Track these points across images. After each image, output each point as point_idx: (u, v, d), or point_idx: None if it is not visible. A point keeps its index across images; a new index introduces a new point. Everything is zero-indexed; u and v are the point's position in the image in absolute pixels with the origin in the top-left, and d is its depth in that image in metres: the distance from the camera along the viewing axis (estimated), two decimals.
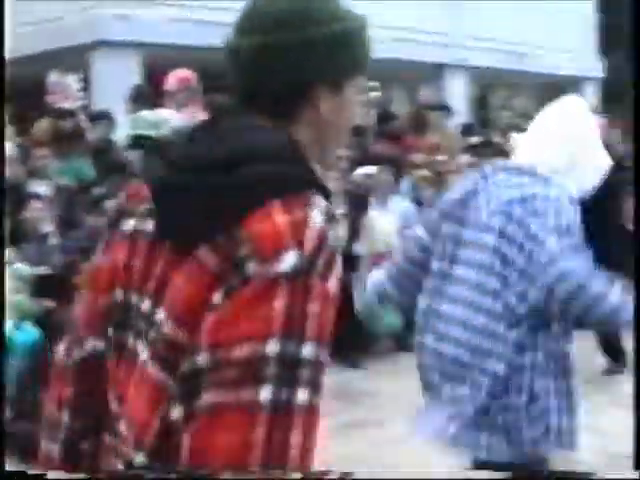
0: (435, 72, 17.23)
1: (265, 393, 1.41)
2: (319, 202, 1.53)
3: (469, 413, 3.39)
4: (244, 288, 1.45)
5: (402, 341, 8.70)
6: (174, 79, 7.85)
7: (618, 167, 4.91)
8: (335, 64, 1.66)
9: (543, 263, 3.27)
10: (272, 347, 1.42)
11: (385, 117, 11.71)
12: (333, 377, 7.78)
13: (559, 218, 3.33)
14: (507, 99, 20.55)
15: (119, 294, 1.67)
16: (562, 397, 3.43)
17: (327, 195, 1.58)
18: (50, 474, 1.77)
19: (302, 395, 1.42)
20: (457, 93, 16.53)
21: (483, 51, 17.26)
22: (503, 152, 8.37)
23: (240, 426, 1.40)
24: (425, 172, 10.40)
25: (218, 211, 1.50)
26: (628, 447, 4.58)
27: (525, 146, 3.73)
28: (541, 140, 3.63)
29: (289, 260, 1.45)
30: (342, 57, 1.67)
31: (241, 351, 1.42)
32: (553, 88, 20.69)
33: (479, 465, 3.48)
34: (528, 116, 15.01)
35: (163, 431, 1.50)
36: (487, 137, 11.23)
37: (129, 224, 1.69)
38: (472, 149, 10.18)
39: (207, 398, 1.43)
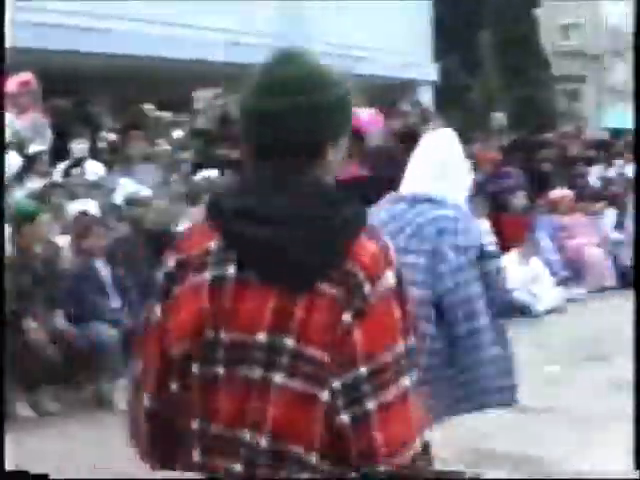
0: None
1: (407, 381, 1.88)
2: (381, 232, 2.00)
3: None
4: (369, 308, 1.85)
5: None
6: (14, 82, 7.73)
7: None
8: (339, 125, 2.00)
9: (442, 273, 4.05)
10: (401, 347, 1.88)
11: (226, 121, 11.81)
12: None
13: (458, 236, 4.14)
14: None
15: (209, 334, 1.91)
16: None
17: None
18: (52, 474, 1.88)
19: (416, 374, 1.92)
20: None
21: (321, 55, 17.51)
22: None
23: (405, 412, 1.88)
24: None
25: (323, 253, 1.87)
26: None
27: (411, 177, 4.44)
28: (425, 170, 4.38)
29: (389, 277, 1.89)
30: (344, 118, 2.02)
31: (387, 356, 1.86)
32: (389, 91, 21.28)
33: None
34: None
35: (332, 434, 1.86)
36: None
37: (202, 275, 1.93)
38: None
39: (376, 400, 1.85)
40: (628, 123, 30.10)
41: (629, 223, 13.82)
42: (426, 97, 20.85)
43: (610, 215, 13.72)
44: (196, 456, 1.95)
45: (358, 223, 1.91)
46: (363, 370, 1.84)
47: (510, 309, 10.61)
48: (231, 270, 1.91)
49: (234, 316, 1.90)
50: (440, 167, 4.38)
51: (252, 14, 16.14)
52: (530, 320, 10.65)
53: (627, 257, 13.32)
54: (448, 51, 26.91)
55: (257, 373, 1.89)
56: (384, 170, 7.04)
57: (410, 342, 1.92)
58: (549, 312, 11.02)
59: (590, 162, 14.75)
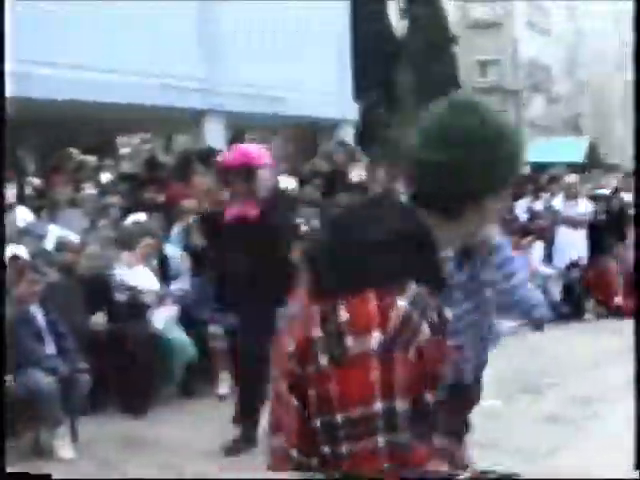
0: (194, 118, 17.57)
1: (380, 441, 1.96)
2: (412, 291, 1.98)
3: None
4: (346, 360, 1.97)
5: (187, 387, 9.00)
6: None
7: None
8: (505, 179, 2.19)
9: None
10: (377, 406, 1.96)
11: (152, 164, 11.93)
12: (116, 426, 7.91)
13: None
14: (262, 142, 21.16)
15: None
16: None
17: (437, 279, 2.07)
18: (55, 474, 2.03)
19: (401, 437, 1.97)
20: (216, 138, 16.89)
21: (240, 97, 17.73)
22: None
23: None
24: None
25: (334, 284, 2.02)
26: None
27: None
28: None
29: (376, 338, 1.95)
30: (511, 173, 2.20)
31: (355, 412, 1.97)
32: (311, 130, 21.55)
33: None
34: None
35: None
36: None
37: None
38: None
39: (344, 448, 1.99)
40: (548, 157, 30.86)
41: (557, 256, 14.19)
42: (347, 135, 21.14)
43: (538, 249, 14.01)
44: None
45: (376, 278, 2.00)
46: (339, 418, 2.00)
47: None
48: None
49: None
50: None
51: (175, 58, 16.28)
52: None
53: (556, 291, 13.67)
54: (368, 89, 27.32)
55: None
56: (274, 214, 7.19)
57: (399, 405, 1.98)
58: None
59: (516, 196, 15.05)
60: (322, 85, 20.05)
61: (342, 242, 2.08)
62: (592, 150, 34.95)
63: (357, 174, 13.52)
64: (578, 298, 13.74)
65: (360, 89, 23.73)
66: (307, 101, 19.55)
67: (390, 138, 29.62)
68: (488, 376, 8.80)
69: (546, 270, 13.87)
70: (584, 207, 14.45)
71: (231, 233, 7.24)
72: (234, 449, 7.00)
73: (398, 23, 36.87)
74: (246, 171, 7.05)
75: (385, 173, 14.38)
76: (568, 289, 13.83)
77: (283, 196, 7.74)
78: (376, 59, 30.62)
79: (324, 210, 11.64)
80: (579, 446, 7.17)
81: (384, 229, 2.05)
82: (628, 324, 10.47)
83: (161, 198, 11.19)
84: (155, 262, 9.44)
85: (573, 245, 14.28)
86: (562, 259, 14.21)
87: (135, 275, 9.00)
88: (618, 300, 13.61)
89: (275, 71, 18.19)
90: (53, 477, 4.03)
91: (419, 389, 2.02)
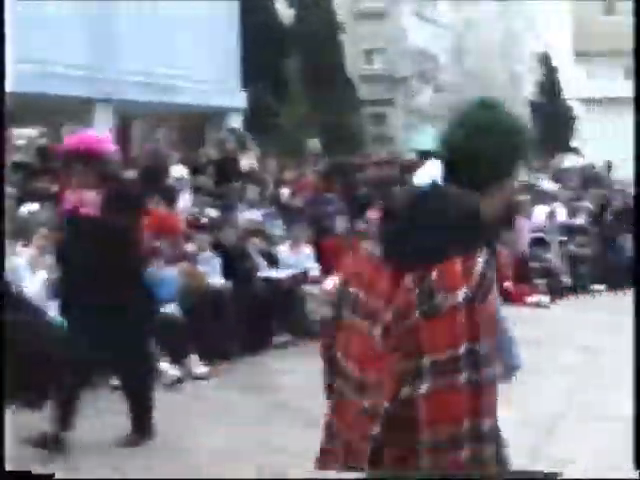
0: (83, 107, 17.40)
1: (463, 377, 2.57)
2: (483, 254, 2.67)
3: None
4: (437, 310, 2.61)
5: None
6: None
7: None
8: (516, 163, 2.92)
9: None
10: (462, 349, 2.56)
11: (44, 155, 11.77)
12: None
13: None
14: (150, 131, 21.03)
15: (361, 293, 2.83)
16: None
17: (490, 242, 2.74)
18: (57, 474, 2.11)
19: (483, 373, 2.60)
20: (104, 127, 16.75)
21: (129, 85, 17.62)
22: None
23: (458, 404, 2.61)
24: None
25: (425, 252, 2.64)
26: None
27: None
28: None
29: (461, 294, 2.59)
30: (521, 159, 2.94)
31: (443, 355, 2.55)
32: (199, 118, 21.49)
33: None
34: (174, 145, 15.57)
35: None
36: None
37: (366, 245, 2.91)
38: None
39: (424, 386, 2.60)
40: (433, 144, 31.25)
41: None
42: (235, 124, 21.15)
43: None
44: None
45: (460, 248, 2.67)
46: (426, 360, 2.62)
47: None
48: (377, 249, 2.85)
49: (369, 283, 2.82)
50: None
51: (62, 46, 16.06)
52: None
53: None
54: (256, 78, 27.33)
55: (377, 331, 2.76)
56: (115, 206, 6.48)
57: (482, 347, 2.64)
58: None
59: (405, 184, 15.23)
60: (210, 74, 20.04)
61: (426, 225, 2.69)
62: None
63: (248, 163, 13.54)
64: None
65: (248, 78, 23.76)
66: (195, 89, 19.51)
67: (279, 126, 29.75)
68: None
69: None
70: None
71: (69, 225, 6.73)
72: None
73: (285, 12, 36.94)
74: (86, 158, 6.45)
75: (276, 163, 14.45)
76: None
77: (127, 187, 7.10)
78: (264, 48, 30.63)
79: (217, 199, 11.68)
80: None
81: (458, 210, 2.70)
82: (517, 310, 10.76)
83: (54, 188, 11.05)
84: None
85: None
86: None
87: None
88: (508, 285, 13.85)
89: (163, 60, 18.10)
90: None
91: (492, 333, 2.65)
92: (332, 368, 3.00)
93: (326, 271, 11.78)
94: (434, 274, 2.61)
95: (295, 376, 9.09)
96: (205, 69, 19.65)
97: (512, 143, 2.89)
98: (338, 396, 2.95)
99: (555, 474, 3.85)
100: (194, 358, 8.79)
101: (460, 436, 2.59)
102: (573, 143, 54.62)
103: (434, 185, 2.86)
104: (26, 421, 6.69)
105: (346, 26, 40.25)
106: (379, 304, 2.71)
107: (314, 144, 15.72)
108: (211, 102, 20.34)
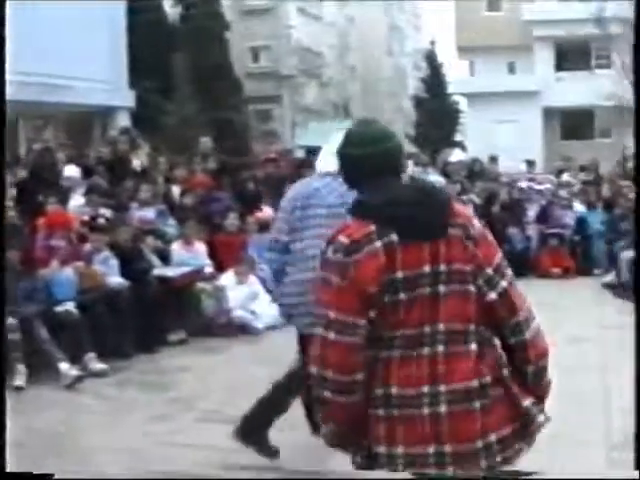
0: None
1: (509, 277, 3.49)
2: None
3: None
4: (477, 238, 3.45)
5: None
6: None
7: None
8: (391, 163, 3.54)
9: None
10: (500, 257, 3.50)
11: None
12: None
13: None
14: (37, 131, 20.82)
15: (389, 276, 3.28)
16: None
17: None
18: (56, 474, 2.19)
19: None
20: None
21: (14, 85, 17.41)
22: None
23: (517, 290, 3.52)
24: None
25: (442, 216, 3.42)
26: None
27: (324, 160, 5.79)
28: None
29: (477, 222, 3.53)
30: (394, 159, 3.55)
31: (496, 260, 3.48)
32: (87, 117, 21.35)
33: None
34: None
35: (482, 310, 3.43)
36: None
37: (373, 246, 3.29)
38: None
39: (505, 282, 3.47)
40: (322, 141, 31.48)
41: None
42: (123, 122, 21.07)
43: None
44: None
45: (449, 199, 3.48)
46: (489, 270, 3.44)
47: (231, 328, 11.09)
48: (394, 238, 3.29)
49: (404, 262, 3.29)
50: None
51: None
52: (251, 338, 10.96)
53: None
54: (144, 76, 27.22)
55: (427, 290, 3.33)
56: None
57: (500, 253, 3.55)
58: (268, 329, 11.24)
59: (294, 180, 15.35)
60: (97, 73, 19.93)
61: (428, 208, 3.39)
62: None
63: (139, 162, 13.54)
64: None
65: (136, 76, 23.68)
66: (82, 89, 19.37)
67: (166, 124, 29.65)
68: (278, 357, 8.97)
69: None
70: None
71: None
72: None
73: (172, 10, 36.80)
74: None
75: (166, 160, 14.46)
76: None
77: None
78: (151, 46, 30.51)
79: (111, 198, 11.66)
80: None
81: (441, 195, 3.49)
82: None
83: None
84: None
85: None
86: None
87: None
88: None
89: (49, 59, 17.93)
90: None
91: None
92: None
93: (219, 268, 11.91)
94: (457, 217, 3.45)
95: (191, 373, 9.18)
96: (92, 68, 19.53)
97: (385, 149, 3.52)
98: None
99: (531, 473, 4.08)
100: (92, 356, 8.81)
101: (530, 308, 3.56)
102: (458, 137, 55.46)
103: (420, 182, 3.62)
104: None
105: (232, 23, 40.24)
106: (423, 270, 3.36)
107: (205, 142, 15.76)
108: (98, 101, 20.22)
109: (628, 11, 43.48)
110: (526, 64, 50.31)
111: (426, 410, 3.28)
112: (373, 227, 3.28)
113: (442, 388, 3.29)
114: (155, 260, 10.94)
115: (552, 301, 13.11)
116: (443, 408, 3.28)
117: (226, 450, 6.53)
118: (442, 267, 3.35)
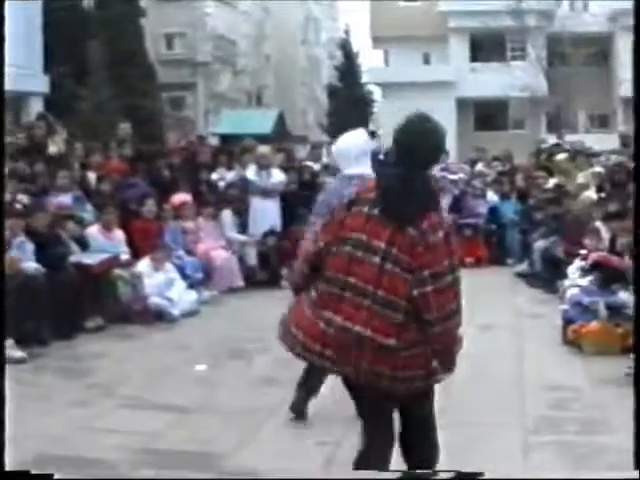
0: None
1: (443, 283, 4.28)
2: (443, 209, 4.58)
3: None
4: (429, 246, 4.26)
5: None
6: None
7: None
8: (441, 154, 4.68)
9: None
10: (444, 266, 4.27)
11: None
12: None
13: None
14: None
15: (362, 237, 4.35)
16: None
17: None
18: (56, 474, 2.25)
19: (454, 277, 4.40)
20: None
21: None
22: None
23: (449, 294, 4.33)
24: None
25: (425, 209, 4.31)
26: None
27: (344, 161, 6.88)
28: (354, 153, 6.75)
29: (441, 233, 4.29)
30: (443, 151, 4.69)
31: (437, 268, 4.26)
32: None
33: None
34: None
35: (411, 299, 4.29)
36: None
37: (362, 209, 4.41)
38: None
39: (427, 289, 4.26)
40: (237, 128, 31.47)
41: (252, 225, 14.63)
42: (37, 108, 20.84)
43: (227, 217, 14.28)
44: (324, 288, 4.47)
45: (432, 204, 4.38)
46: (426, 273, 4.26)
47: (148, 315, 11.09)
48: (375, 211, 4.37)
49: (371, 232, 4.35)
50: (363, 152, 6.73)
51: None
52: (167, 325, 10.97)
53: (252, 257, 14.13)
54: (58, 62, 26.94)
55: (376, 260, 4.33)
56: None
57: (452, 263, 4.33)
58: (185, 315, 11.35)
59: (211, 168, 15.38)
60: (11, 58, 19.62)
61: (413, 196, 4.34)
62: (280, 122, 35.98)
63: (55, 148, 13.42)
64: (274, 266, 14.21)
65: (50, 62, 23.43)
66: None
67: (81, 110, 29.37)
68: (195, 344, 9.13)
69: (240, 238, 14.25)
70: (277, 177, 14.94)
71: None
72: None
73: None
74: None
75: (82, 146, 14.33)
76: (264, 257, 14.29)
77: None
78: (66, 32, 30.18)
79: (28, 184, 11.53)
80: None
81: (426, 185, 4.44)
82: None
83: None
84: None
85: (267, 214, 14.75)
86: (257, 228, 14.64)
87: None
88: None
89: None
90: None
91: (458, 252, 4.45)
92: (314, 276, 4.53)
93: (136, 255, 11.88)
94: (425, 223, 4.30)
95: (108, 359, 9.20)
96: (8, 53, 19.27)
97: (438, 143, 4.51)
98: (325, 293, 4.43)
99: (477, 474, 4.45)
100: (10, 343, 8.75)
101: (452, 312, 4.35)
102: (371, 127, 55.80)
103: (407, 171, 4.40)
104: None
105: (147, 10, 39.96)
106: (380, 244, 4.32)
107: (124, 129, 15.66)
108: (11, 86, 19.94)
109: (545, 4, 44.37)
110: (441, 55, 50.93)
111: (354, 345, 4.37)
112: (373, 196, 4.42)
113: (368, 333, 4.34)
114: (73, 246, 10.87)
115: (466, 290, 13.24)
116: (364, 347, 4.35)
117: (146, 434, 6.61)
118: (394, 251, 4.32)
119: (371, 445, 4.67)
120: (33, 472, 2.87)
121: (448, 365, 4.50)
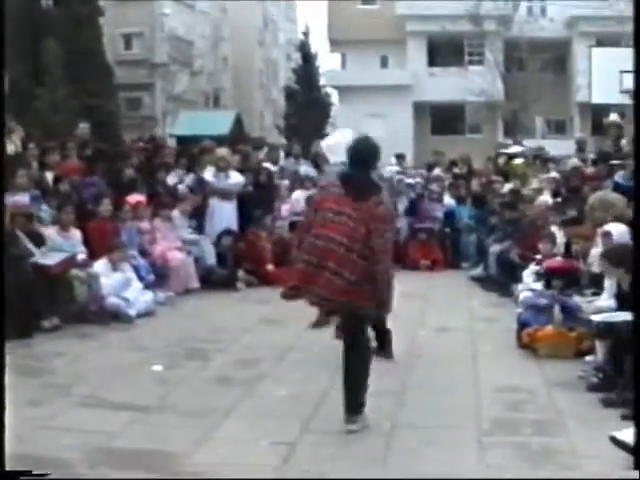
0: None
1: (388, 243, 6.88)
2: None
3: None
4: (373, 213, 6.72)
5: None
6: None
7: None
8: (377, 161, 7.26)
9: None
10: (387, 226, 6.88)
11: None
12: None
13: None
14: None
15: (334, 207, 6.75)
16: None
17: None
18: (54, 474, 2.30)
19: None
20: None
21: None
22: None
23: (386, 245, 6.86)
24: None
25: (371, 192, 6.77)
26: None
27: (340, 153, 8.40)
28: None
29: (381, 208, 6.78)
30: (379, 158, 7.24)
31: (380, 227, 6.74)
32: None
33: None
34: None
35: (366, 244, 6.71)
36: None
37: (331, 191, 6.96)
38: None
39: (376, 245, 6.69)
40: (195, 130, 31.38)
41: (209, 226, 14.68)
42: None
43: (180, 218, 14.31)
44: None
45: (378, 189, 6.87)
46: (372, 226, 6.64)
47: (104, 315, 11.09)
48: (342, 191, 6.77)
49: (338, 202, 6.74)
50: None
51: None
52: (124, 325, 10.99)
53: (210, 257, 14.14)
54: (14, 60, 26.76)
55: (343, 219, 6.64)
56: None
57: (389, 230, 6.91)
58: (141, 316, 11.38)
59: (168, 169, 15.40)
60: None
61: (363, 182, 6.81)
62: (237, 124, 35.90)
63: (12, 146, 13.37)
64: (230, 267, 14.24)
65: (7, 60, 23.23)
66: None
67: (37, 110, 29.20)
68: (151, 344, 9.14)
69: (193, 237, 14.26)
70: (235, 179, 15.00)
71: None
72: None
73: None
74: None
75: (36, 145, 14.28)
76: (220, 258, 14.32)
77: None
78: (23, 30, 30.01)
79: None
80: (253, 404, 7.64)
81: (369, 179, 6.91)
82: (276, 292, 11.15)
83: None
84: None
85: (224, 215, 14.81)
86: (214, 229, 14.69)
87: None
88: (270, 268, 14.26)
89: None
90: None
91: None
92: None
93: (92, 254, 11.88)
94: (372, 200, 6.66)
95: (65, 358, 9.20)
96: None
97: (374, 155, 7.02)
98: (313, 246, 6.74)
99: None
100: None
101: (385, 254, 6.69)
102: (328, 130, 55.89)
103: (354, 171, 6.92)
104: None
105: (105, 9, 39.78)
106: (347, 211, 6.64)
107: (83, 129, 15.63)
108: None
109: (503, 9, 44.68)
110: (399, 58, 51.09)
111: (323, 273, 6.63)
112: (339, 184, 6.86)
113: (330, 264, 6.62)
114: (30, 246, 10.84)
115: (421, 293, 13.47)
116: (326, 274, 6.62)
117: (103, 434, 6.64)
118: (354, 215, 6.63)
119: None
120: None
121: (379, 296, 6.75)
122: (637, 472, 5.52)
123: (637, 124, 8.39)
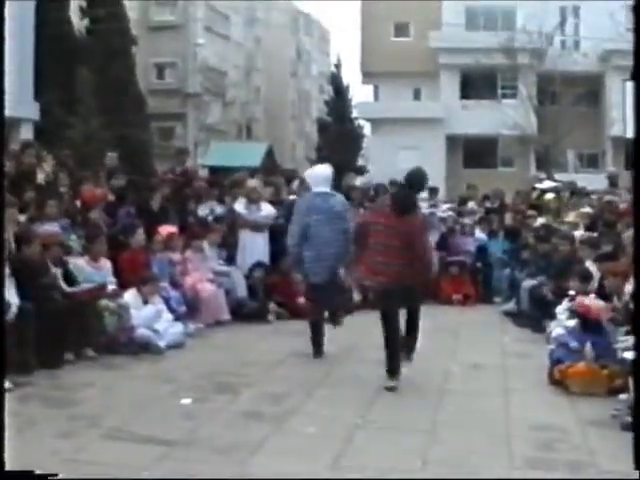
0: None
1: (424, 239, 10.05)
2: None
3: None
4: (414, 225, 9.60)
5: None
6: None
7: None
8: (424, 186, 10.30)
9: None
10: (424, 233, 10.15)
11: None
12: None
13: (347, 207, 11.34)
14: None
15: (383, 221, 9.48)
16: None
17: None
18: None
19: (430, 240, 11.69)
20: None
21: None
22: None
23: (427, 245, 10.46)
24: None
25: (411, 209, 9.52)
26: None
27: (314, 182, 11.07)
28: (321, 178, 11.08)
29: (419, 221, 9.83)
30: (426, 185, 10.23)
31: (417, 240, 9.58)
32: None
33: None
34: None
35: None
36: None
37: (378, 209, 10.17)
38: None
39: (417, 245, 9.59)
40: (227, 161, 31.55)
41: (240, 258, 14.67)
42: (27, 135, 20.87)
43: (207, 248, 14.29)
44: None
45: (417, 207, 9.85)
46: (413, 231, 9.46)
47: (134, 346, 11.08)
48: (388, 209, 9.55)
49: (387, 218, 9.41)
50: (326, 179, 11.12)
51: None
52: (153, 357, 10.94)
53: (242, 289, 14.12)
54: (48, 89, 27.01)
55: (393, 231, 9.32)
56: None
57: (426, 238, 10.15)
58: (170, 347, 11.33)
59: (200, 199, 15.42)
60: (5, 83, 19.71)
61: (407, 201, 9.47)
62: (269, 155, 36.07)
63: (43, 175, 13.44)
64: (261, 299, 14.22)
65: (41, 89, 23.48)
66: None
67: (70, 138, 29.39)
68: (181, 376, 9.09)
69: (224, 269, 14.25)
70: (267, 211, 14.99)
71: None
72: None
73: (79, 23, 36.55)
74: None
75: (68, 175, 14.33)
76: (251, 290, 14.29)
77: None
78: (57, 59, 30.28)
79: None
80: (282, 440, 7.58)
81: (413, 198, 9.63)
82: (306, 325, 11.15)
83: None
84: None
85: (256, 248, 14.81)
86: (245, 261, 14.69)
87: None
88: (301, 301, 14.18)
89: None
90: None
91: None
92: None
93: (123, 285, 11.89)
94: (412, 214, 9.35)
95: (94, 389, 9.18)
96: None
97: (422, 182, 9.63)
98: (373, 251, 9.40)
99: None
100: None
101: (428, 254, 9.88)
102: (360, 162, 55.95)
103: (403, 189, 9.63)
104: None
105: (138, 39, 40.12)
106: (394, 225, 9.19)
107: (112, 158, 15.68)
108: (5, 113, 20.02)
109: (537, 43, 44.68)
110: (431, 91, 51.12)
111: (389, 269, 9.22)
112: (389, 202, 9.54)
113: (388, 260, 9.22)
114: (60, 276, 10.85)
115: (453, 328, 13.40)
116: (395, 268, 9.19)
117: (132, 467, 6.60)
118: (398, 226, 9.05)
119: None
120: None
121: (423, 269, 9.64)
122: (638, 472, 5.45)
123: (637, 135, 8.33)
